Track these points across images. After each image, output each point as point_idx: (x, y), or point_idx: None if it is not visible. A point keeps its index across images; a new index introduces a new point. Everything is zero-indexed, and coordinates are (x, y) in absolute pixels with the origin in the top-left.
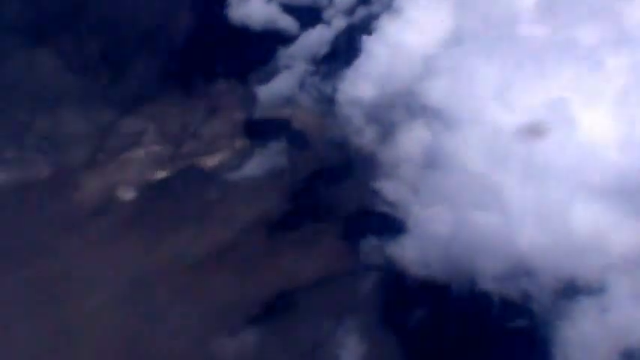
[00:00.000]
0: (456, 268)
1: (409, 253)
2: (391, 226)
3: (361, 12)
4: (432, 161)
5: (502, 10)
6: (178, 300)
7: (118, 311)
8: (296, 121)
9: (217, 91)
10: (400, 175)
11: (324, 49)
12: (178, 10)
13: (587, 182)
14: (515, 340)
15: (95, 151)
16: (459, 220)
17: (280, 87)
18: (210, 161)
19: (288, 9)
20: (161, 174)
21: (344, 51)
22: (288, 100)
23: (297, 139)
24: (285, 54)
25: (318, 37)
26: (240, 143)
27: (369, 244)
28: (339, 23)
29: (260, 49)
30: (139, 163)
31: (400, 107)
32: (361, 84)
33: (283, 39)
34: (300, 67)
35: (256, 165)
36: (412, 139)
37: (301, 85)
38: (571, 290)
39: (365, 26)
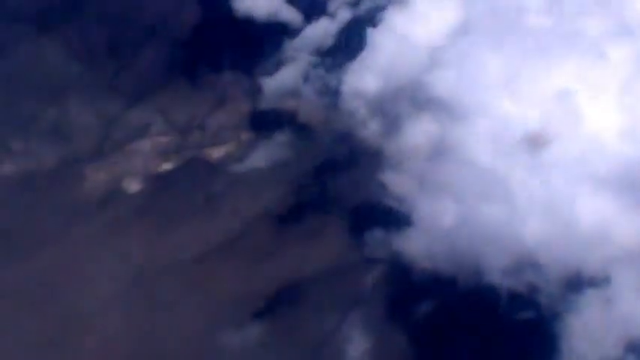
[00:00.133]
0: (462, 260)
1: (415, 245)
2: (397, 218)
3: (367, 4)
4: (437, 153)
5: (509, 1)
6: (183, 292)
7: (123, 302)
8: (301, 113)
9: (223, 82)
10: (406, 167)
11: (329, 42)
12: (184, 1)
13: (593, 174)
14: (522, 332)
15: (101, 142)
16: (465, 212)
17: (285, 79)
18: (216, 153)
19: (293, 1)
20: (167, 165)
21: (349, 43)
22: (293, 93)
23: (302, 132)
24: (290, 46)
25: (322, 30)
26: (245, 135)
27: (375, 236)
28: (345, 15)
29: (265, 41)
30: (145, 155)
31: (406, 99)
32: (367, 76)
33: (288, 31)
34: (305, 60)
35: (262, 157)
36: (418, 132)
37: (306, 78)
38: (577, 282)
39: (370, 18)
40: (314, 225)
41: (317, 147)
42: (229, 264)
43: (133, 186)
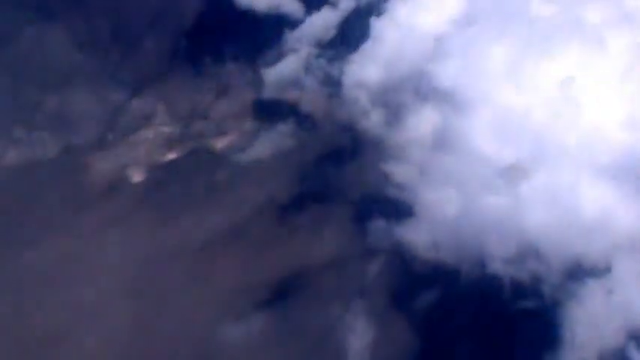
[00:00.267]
0: (464, 250)
1: (418, 235)
2: (400, 208)
3: None
4: (440, 144)
5: None
6: (187, 281)
7: (126, 291)
8: (304, 103)
9: (225, 72)
10: (409, 157)
11: (331, 32)
12: None
13: (594, 163)
14: (524, 321)
15: (105, 131)
16: (467, 202)
17: (287, 70)
18: (220, 143)
19: None
20: (171, 155)
21: (352, 33)
22: (295, 83)
23: (305, 122)
24: (291, 37)
25: (324, 20)
26: (249, 124)
27: (378, 226)
28: (347, 5)
29: (267, 31)
30: (148, 144)
31: (409, 89)
32: (369, 66)
33: (290, 22)
34: (307, 50)
35: (265, 147)
36: (421, 122)
37: (307, 68)
38: (579, 271)
39: (374, 8)
40: (317, 215)
41: (320, 137)
42: (233, 253)
43: (137, 175)
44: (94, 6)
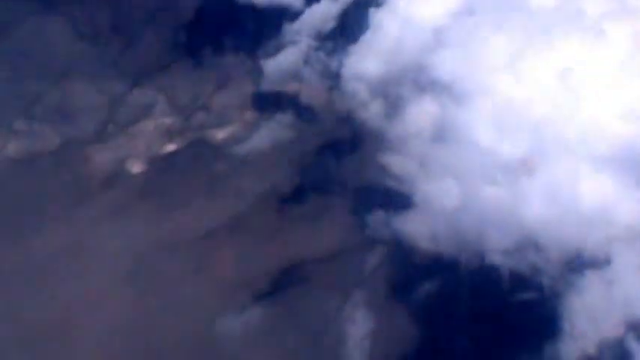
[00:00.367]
0: (463, 242)
1: (417, 227)
2: (399, 200)
3: None
4: (440, 135)
5: None
6: (186, 272)
7: (125, 283)
8: (303, 95)
9: (226, 64)
10: (408, 149)
11: (330, 24)
12: None
13: (594, 154)
14: (523, 312)
15: (105, 122)
16: (467, 194)
17: (286, 62)
18: (220, 134)
19: None
20: (171, 147)
21: (351, 25)
22: (295, 75)
23: (304, 114)
24: (290, 29)
25: (324, 12)
26: (249, 116)
27: (377, 218)
28: None
29: (266, 23)
30: (148, 136)
31: (408, 81)
32: (368, 58)
33: (289, 14)
34: (306, 43)
35: (264, 138)
36: (420, 113)
37: (306, 61)
38: (578, 263)
39: None
40: (316, 206)
41: (319, 129)
42: (232, 245)
43: (137, 167)
44: None
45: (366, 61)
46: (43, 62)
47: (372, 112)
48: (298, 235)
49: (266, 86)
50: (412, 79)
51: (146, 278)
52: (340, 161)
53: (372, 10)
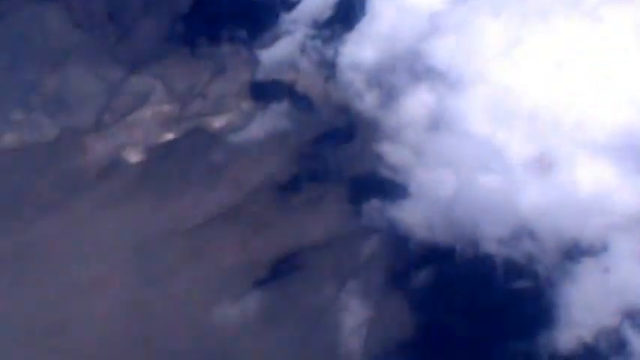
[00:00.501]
0: (459, 230)
1: (412, 216)
2: (394, 189)
3: None
4: (435, 124)
5: None
6: (184, 261)
7: (123, 272)
8: (299, 84)
9: (222, 52)
10: (403, 138)
11: (326, 13)
12: None
13: (591, 141)
14: (519, 301)
15: (102, 111)
16: (462, 182)
17: (283, 51)
18: (217, 122)
19: None
20: (168, 135)
21: (348, 13)
22: (291, 64)
23: (300, 103)
24: (287, 18)
25: (320, 1)
26: (246, 104)
27: (373, 207)
28: None
29: (262, 12)
30: (145, 125)
31: (404, 70)
32: (364, 47)
33: (285, 3)
34: (302, 32)
35: (261, 127)
36: (416, 102)
37: (303, 49)
38: (574, 251)
39: None
40: (313, 195)
41: (315, 118)
42: (229, 233)
43: (134, 156)
44: None
45: (362, 49)
46: (40, 51)
47: (367, 101)
48: (295, 224)
49: (263, 75)
50: (408, 67)
51: (145, 266)
52: (336, 150)
53: None
